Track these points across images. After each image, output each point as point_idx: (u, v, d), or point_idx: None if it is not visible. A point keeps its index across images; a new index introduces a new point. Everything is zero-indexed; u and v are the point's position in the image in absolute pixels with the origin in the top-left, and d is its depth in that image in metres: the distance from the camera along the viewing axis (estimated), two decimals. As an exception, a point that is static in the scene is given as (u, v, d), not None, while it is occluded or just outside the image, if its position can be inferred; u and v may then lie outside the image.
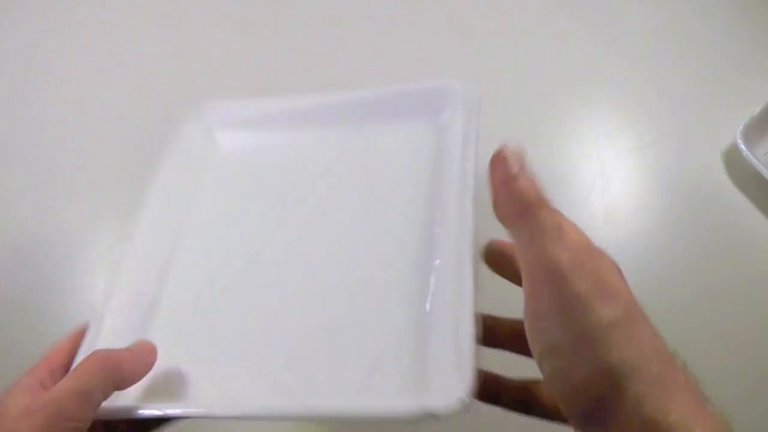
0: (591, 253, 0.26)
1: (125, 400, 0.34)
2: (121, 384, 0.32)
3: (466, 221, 0.37)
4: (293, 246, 0.42)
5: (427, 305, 0.36)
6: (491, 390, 0.36)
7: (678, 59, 0.70)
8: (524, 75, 0.68)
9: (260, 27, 0.71)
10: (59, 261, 0.53)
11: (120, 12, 0.71)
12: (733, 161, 0.61)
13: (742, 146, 0.58)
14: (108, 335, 0.36)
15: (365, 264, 0.40)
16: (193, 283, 0.40)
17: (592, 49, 0.71)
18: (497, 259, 0.35)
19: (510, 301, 0.32)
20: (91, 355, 0.31)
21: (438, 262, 0.38)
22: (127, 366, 0.32)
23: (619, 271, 0.27)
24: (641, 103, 0.67)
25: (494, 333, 0.36)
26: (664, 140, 0.64)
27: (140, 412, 0.32)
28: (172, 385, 0.36)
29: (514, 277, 0.34)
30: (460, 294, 0.34)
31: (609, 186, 0.60)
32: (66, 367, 0.34)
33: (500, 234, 0.30)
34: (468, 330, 0.32)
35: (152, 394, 0.35)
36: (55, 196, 0.57)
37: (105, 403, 0.31)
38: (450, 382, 0.30)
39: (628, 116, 0.66)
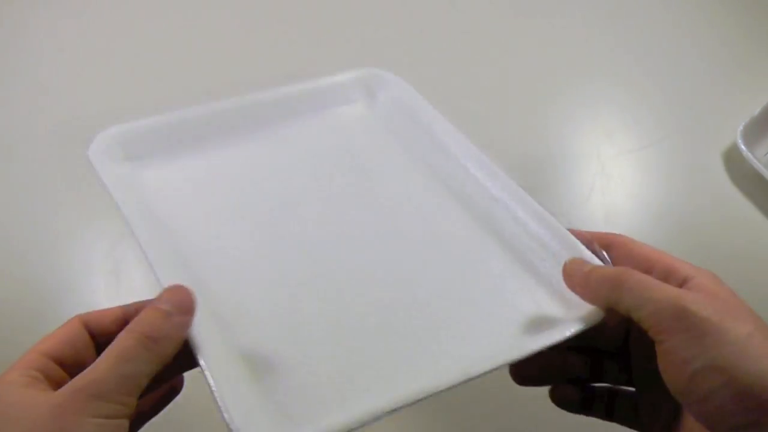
0: (705, 280, 0.30)
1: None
2: (164, 358, 0.28)
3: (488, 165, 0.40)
4: (332, 259, 0.37)
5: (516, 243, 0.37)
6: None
7: (678, 59, 0.70)
8: (525, 75, 0.68)
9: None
10: (59, 261, 0.53)
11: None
12: (733, 161, 0.61)
13: (742, 146, 0.58)
14: None
15: (416, 246, 0.38)
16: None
17: (593, 50, 0.71)
18: (525, 377, 0.36)
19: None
20: (126, 333, 0.28)
21: (495, 204, 0.39)
22: (167, 335, 0.28)
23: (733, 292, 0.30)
24: (642, 103, 0.67)
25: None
26: (665, 140, 0.64)
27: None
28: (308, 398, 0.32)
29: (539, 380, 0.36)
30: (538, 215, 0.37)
31: (609, 186, 0.60)
32: (66, 360, 0.29)
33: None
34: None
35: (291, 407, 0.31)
36: (54, 194, 0.57)
37: None
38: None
39: (628, 116, 0.66)
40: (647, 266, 0.32)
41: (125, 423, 0.26)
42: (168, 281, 0.31)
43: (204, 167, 0.41)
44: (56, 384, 0.27)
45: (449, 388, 0.29)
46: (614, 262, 0.34)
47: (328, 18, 0.72)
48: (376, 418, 0.28)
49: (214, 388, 0.28)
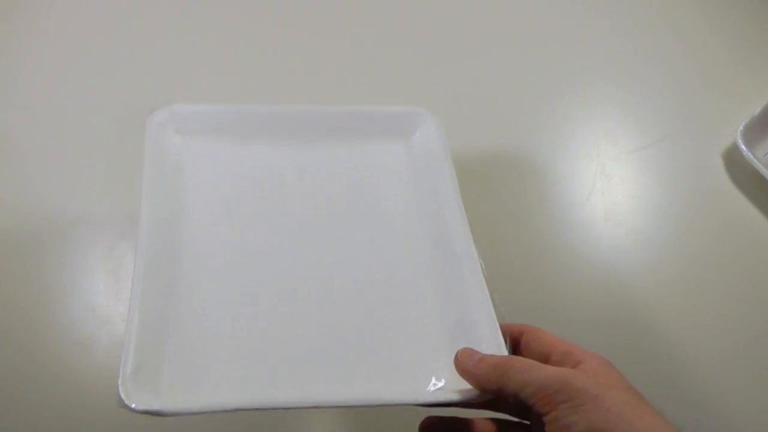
0: (595, 363, 0.34)
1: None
2: None
3: (465, 232, 0.43)
4: (301, 264, 0.43)
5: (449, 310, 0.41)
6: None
7: (678, 60, 0.70)
8: (526, 76, 0.68)
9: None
10: (59, 261, 0.53)
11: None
12: (733, 161, 0.61)
13: (742, 146, 0.58)
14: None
15: (375, 274, 0.43)
16: (208, 301, 0.41)
17: (593, 50, 0.71)
18: None
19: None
20: None
21: (449, 266, 0.42)
22: None
23: (609, 364, 0.34)
24: (642, 103, 0.67)
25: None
26: (665, 140, 0.64)
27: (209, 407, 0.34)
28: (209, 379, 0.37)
29: None
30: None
31: (609, 186, 0.60)
32: None
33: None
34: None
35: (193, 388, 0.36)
36: (54, 195, 0.57)
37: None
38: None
39: (628, 117, 0.66)
40: (550, 349, 0.36)
41: None
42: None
43: (240, 157, 0.48)
44: None
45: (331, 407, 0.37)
46: (524, 346, 0.38)
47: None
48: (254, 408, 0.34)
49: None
